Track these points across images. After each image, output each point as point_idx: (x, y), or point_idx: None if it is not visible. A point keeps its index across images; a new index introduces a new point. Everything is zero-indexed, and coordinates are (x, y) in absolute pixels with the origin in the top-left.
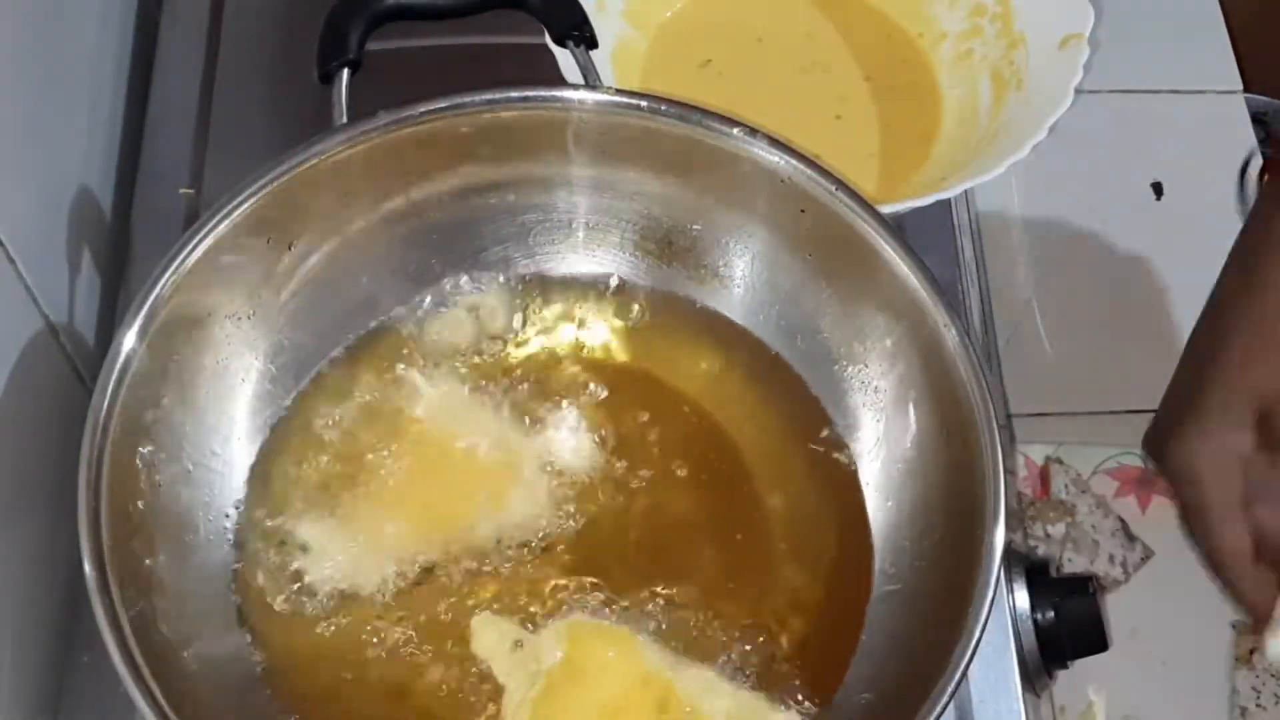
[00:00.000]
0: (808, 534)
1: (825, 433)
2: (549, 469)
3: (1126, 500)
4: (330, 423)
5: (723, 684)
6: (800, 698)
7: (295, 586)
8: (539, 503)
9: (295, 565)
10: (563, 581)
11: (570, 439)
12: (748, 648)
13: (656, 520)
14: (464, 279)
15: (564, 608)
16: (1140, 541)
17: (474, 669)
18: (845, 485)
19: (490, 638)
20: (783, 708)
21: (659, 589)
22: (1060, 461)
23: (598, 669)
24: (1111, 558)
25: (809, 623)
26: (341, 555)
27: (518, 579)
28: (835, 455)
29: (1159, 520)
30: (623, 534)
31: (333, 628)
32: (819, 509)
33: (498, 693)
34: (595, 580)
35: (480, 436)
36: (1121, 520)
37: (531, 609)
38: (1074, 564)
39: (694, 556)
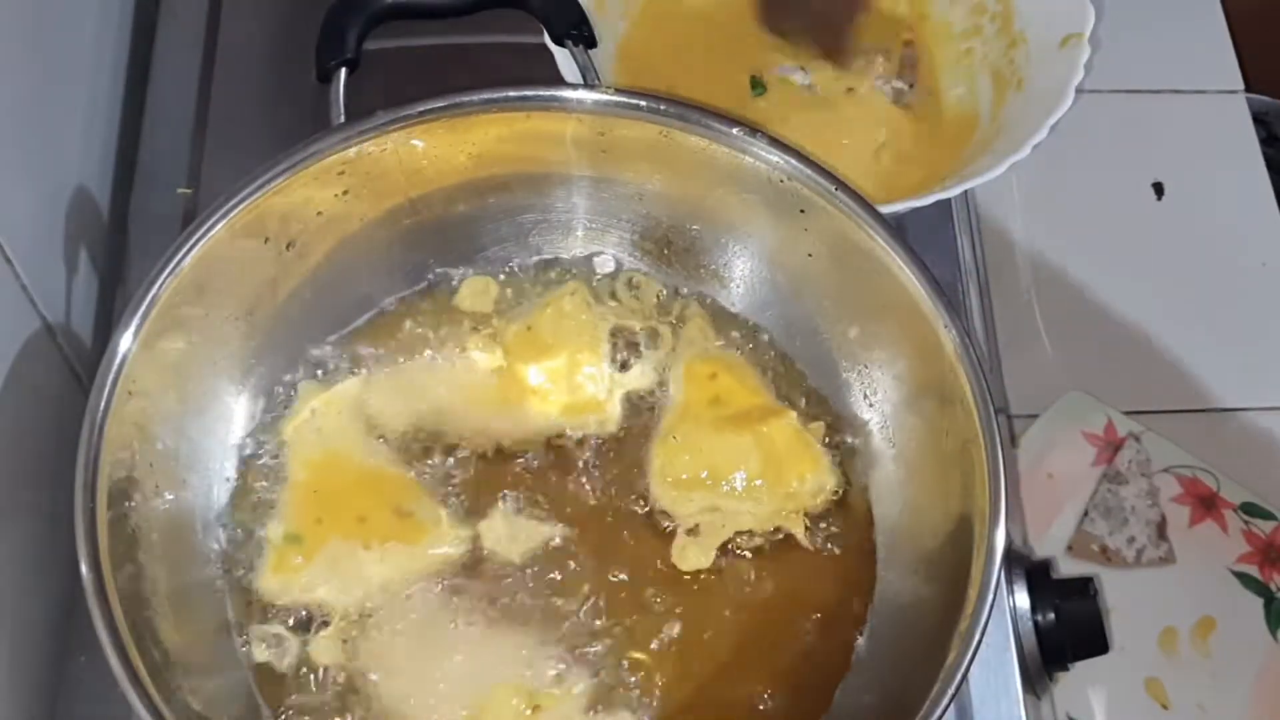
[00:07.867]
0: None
1: (825, 433)
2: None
3: (1179, 507)
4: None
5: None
6: None
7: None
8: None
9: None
10: None
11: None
12: None
13: None
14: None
15: None
16: (1169, 544)
17: None
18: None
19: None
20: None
21: None
22: (1139, 441)
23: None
24: (1131, 540)
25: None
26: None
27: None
28: (835, 455)
29: (1199, 540)
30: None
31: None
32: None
33: None
34: None
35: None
36: (1164, 517)
37: None
38: (1095, 526)
39: None
